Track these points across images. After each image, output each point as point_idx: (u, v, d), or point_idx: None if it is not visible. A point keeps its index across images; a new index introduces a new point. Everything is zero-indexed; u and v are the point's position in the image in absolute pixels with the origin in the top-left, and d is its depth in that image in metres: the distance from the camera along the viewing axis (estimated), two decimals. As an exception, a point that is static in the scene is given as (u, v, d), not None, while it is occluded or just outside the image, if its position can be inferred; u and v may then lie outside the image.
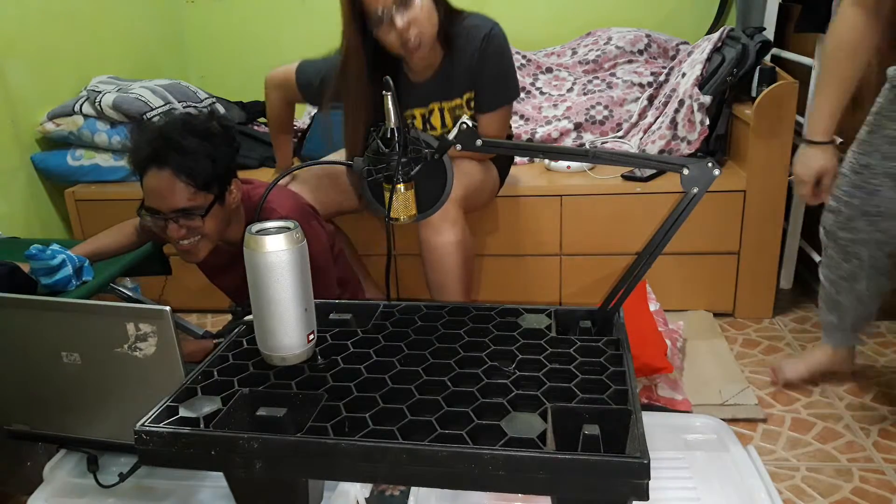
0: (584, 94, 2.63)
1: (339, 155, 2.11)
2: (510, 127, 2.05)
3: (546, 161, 2.39)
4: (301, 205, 1.69)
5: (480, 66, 1.78)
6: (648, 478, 0.75)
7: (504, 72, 1.83)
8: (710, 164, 1.06)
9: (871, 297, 1.67)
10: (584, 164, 2.30)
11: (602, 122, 2.54)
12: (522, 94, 2.65)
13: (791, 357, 2.00)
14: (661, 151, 2.32)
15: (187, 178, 1.43)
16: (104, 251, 1.85)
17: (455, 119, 1.87)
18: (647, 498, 0.76)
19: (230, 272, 1.70)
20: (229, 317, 2.41)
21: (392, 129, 1.04)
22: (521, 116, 2.61)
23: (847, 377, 1.86)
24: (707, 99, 2.26)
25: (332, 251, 1.76)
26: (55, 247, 1.67)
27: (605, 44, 2.70)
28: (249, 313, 0.99)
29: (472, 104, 1.86)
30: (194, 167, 1.43)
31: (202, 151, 1.44)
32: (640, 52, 2.68)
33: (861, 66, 1.51)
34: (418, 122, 1.90)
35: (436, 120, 1.89)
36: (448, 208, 1.76)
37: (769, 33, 2.48)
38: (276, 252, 0.93)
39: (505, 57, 1.82)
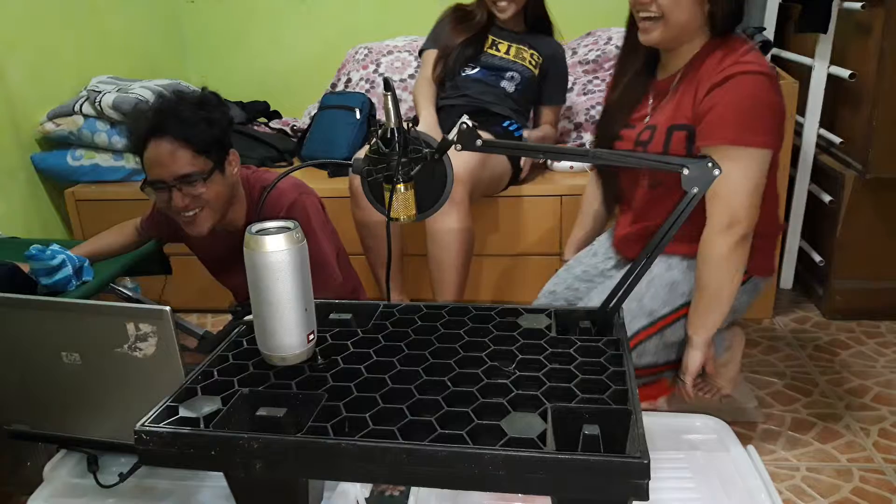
0: (584, 94, 2.62)
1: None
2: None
3: (548, 162, 2.40)
4: (298, 182, 1.72)
5: (551, 61, 2.34)
6: (648, 478, 0.75)
7: (565, 77, 2.41)
8: (709, 164, 1.06)
9: None
10: (585, 164, 2.30)
11: (602, 122, 2.55)
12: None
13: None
14: (661, 151, 2.32)
15: (186, 143, 1.48)
16: (104, 251, 1.85)
17: (517, 53, 2.32)
18: (647, 498, 0.76)
19: (233, 267, 1.70)
20: (229, 317, 2.41)
21: (392, 129, 1.04)
22: (522, 116, 2.62)
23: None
24: (707, 99, 2.26)
25: (335, 250, 1.76)
26: (55, 247, 1.67)
27: (605, 44, 2.70)
28: (249, 313, 0.99)
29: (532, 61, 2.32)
30: (191, 132, 1.48)
31: (198, 116, 1.50)
32: (640, 52, 2.68)
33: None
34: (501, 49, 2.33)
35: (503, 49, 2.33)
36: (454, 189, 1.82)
37: (769, 33, 2.48)
38: (276, 252, 0.92)
39: (566, 69, 2.41)
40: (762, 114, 1.33)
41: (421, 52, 2.42)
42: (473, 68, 2.29)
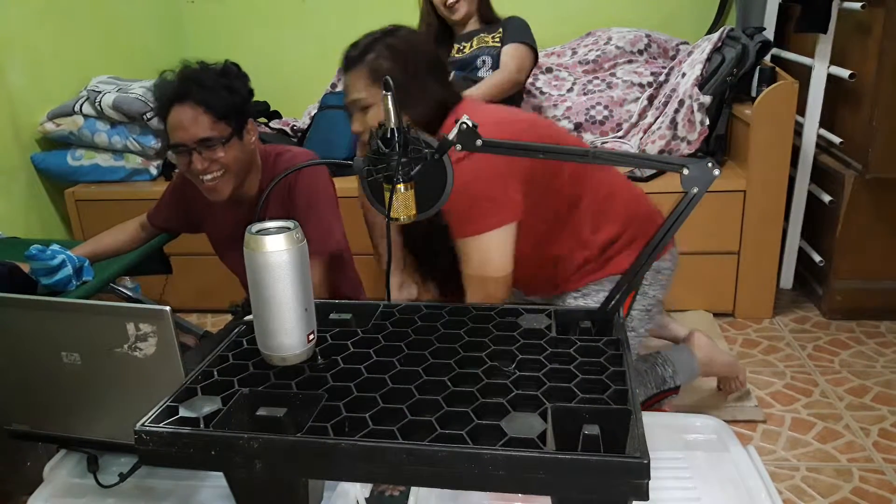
0: (584, 94, 2.63)
1: None
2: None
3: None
4: (313, 155, 1.83)
5: (507, 22, 2.41)
6: (648, 478, 0.75)
7: (522, 25, 2.41)
8: (709, 165, 1.05)
9: None
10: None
11: (602, 123, 2.54)
12: (523, 94, 2.65)
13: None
14: (661, 151, 2.32)
15: (207, 109, 1.57)
16: (105, 251, 1.85)
17: (479, 42, 2.41)
18: (647, 498, 0.76)
19: (239, 245, 1.72)
20: (229, 317, 2.41)
21: (392, 129, 1.04)
22: (521, 116, 2.62)
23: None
24: (707, 99, 2.26)
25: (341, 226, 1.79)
26: (55, 247, 1.67)
27: (605, 44, 2.70)
28: (249, 313, 0.99)
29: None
30: (213, 97, 1.57)
31: (219, 84, 1.60)
32: (640, 53, 2.68)
33: None
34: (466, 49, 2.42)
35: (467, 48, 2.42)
36: None
37: (769, 33, 2.48)
38: (276, 252, 0.92)
39: (524, 22, 2.42)
40: (474, 202, 1.41)
41: None
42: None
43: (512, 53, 2.32)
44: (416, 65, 1.46)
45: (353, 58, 1.47)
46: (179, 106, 1.57)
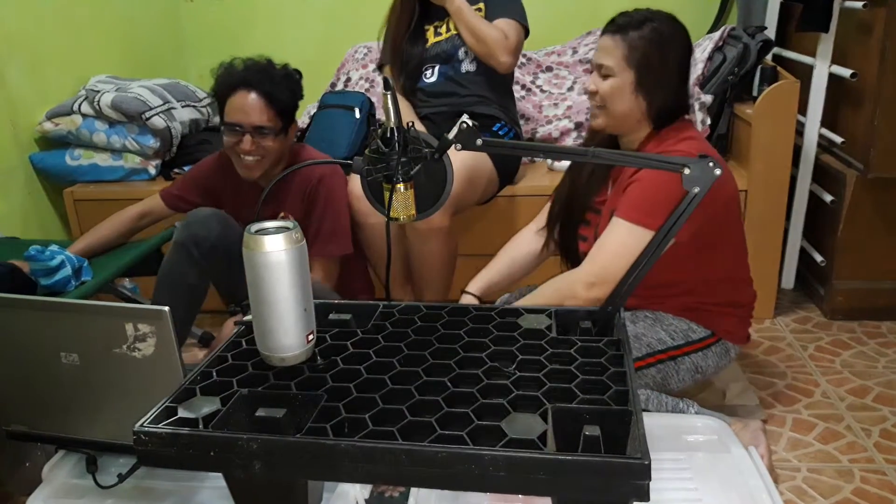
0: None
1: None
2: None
3: (549, 161, 2.39)
4: (328, 156, 2.01)
5: None
6: (649, 479, 0.75)
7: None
8: (710, 164, 1.05)
9: None
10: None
11: (602, 122, 2.54)
12: (523, 93, 2.65)
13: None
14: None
15: (270, 101, 1.74)
16: (104, 243, 1.90)
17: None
18: (647, 499, 0.76)
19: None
20: (228, 317, 2.41)
21: (392, 129, 1.03)
22: (522, 115, 2.61)
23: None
24: (708, 98, 2.26)
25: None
26: (54, 247, 1.67)
27: (605, 43, 2.69)
28: (248, 313, 0.99)
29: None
30: (278, 93, 1.75)
31: (285, 83, 1.78)
32: (641, 52, 2.67)
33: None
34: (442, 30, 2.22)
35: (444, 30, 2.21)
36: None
37: (770, 32, 2.48)
38: (276, 252, 0.92)
39: None
40: (661, 199, 1.37)
41: (381, 67, 2.36)
42: (431, 75, 2.22)
43: (506, 28, 2.09)
44: (673, 56, 1.47)
45: (620, 25, 1.48)
46: (246, 91, 1.73)
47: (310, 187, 1.84)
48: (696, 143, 1.46)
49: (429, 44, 2.22)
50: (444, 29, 2.20)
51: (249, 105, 1.73)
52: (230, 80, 1.76)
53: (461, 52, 2.17)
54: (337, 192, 1.88)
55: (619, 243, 1.40)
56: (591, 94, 1.51)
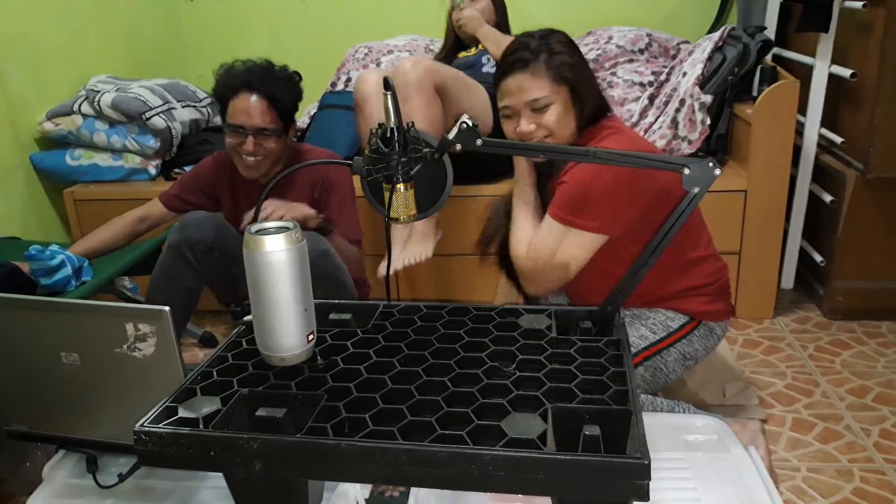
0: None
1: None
2: None
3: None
4: (333, 154, 2.01)
5: None
6: (649, 478, 0.75)
7: None
8: (710, 164, 1.05)
9: None
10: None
11: (602, 122, 2.54)
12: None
13: None
14: (662, 151, 2.31)
15: (273, 103, 1.77)
16: (103, 246, 1.89)
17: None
18: (647, 499, 0.76)
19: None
20: (228, 317, 2.41)
21: (392, 129, 1.03)
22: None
23: None
24: (708, 98, 2.26)
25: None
26: (54, 247, 1.67)
27: (605, 43, 2.70)
28: (249, 313, 0.99)
29: None
30: (280, 96, 1.78)
31: (287, 86, 1.81)
32: (641, 52, 2.67)
33: None
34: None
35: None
36: None
37: (770, 32, 2.48)
38: (276, 252, 0.92)
39: None
40: (587, 199, 1.39)
41: None
42: None
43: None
44: (580, 53, 1.48)
45: (525, 59, 1.43)
46: (248, 93, 1.75)
47: (321, 177, 1.88)
48: (619, 137, 1.44)
49: (457, 57, 2.43)
50: (473, 50, 2.44)
51: (252, 107, 1.75)
52: (232, 81, 1.78)
53: (484, 59, 2.36)
54: (348, 179, 1.93)
55: (544, 234, 1.45)
56: (528, 135, 1.47)
